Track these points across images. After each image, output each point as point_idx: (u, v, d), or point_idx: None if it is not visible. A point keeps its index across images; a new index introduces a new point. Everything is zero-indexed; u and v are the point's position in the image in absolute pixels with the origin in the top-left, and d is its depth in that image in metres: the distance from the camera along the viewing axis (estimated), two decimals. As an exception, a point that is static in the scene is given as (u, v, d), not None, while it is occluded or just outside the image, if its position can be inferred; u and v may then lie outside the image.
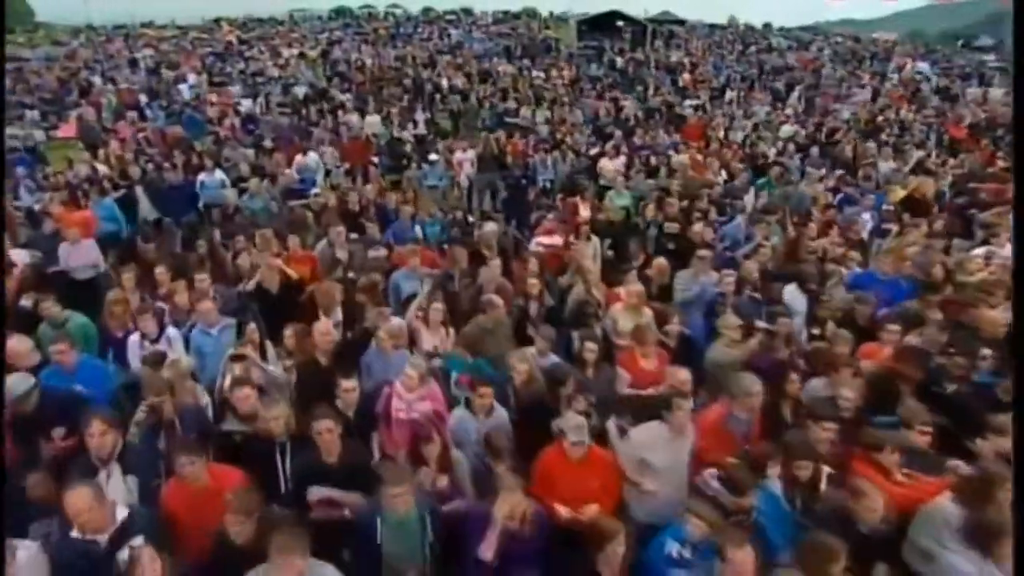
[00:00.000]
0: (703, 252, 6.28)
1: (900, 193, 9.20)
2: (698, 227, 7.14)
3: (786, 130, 14.61)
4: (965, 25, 42.50)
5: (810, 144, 13.37)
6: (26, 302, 5.59)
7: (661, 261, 6.41)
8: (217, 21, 33.88)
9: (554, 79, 20.91)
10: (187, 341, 5.14)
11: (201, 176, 9.62)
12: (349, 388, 4.00)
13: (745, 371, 4.49)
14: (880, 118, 16.67)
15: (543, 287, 5.71)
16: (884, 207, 8.61)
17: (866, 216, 8.41)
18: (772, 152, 12.65)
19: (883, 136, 14.75)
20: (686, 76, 23.05)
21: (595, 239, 7.20)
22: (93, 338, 5.28)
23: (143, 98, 17.48)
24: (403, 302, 5.75)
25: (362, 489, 3.48)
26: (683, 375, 4.46)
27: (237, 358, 4.43)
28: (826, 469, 3.66)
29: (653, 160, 11.30)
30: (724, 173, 10.73)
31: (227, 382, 4.28)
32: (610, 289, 6.12)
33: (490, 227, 6.93)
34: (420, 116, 14.56)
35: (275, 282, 5.73)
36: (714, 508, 3.44)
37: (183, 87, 18.33)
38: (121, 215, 8.68)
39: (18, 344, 4.46)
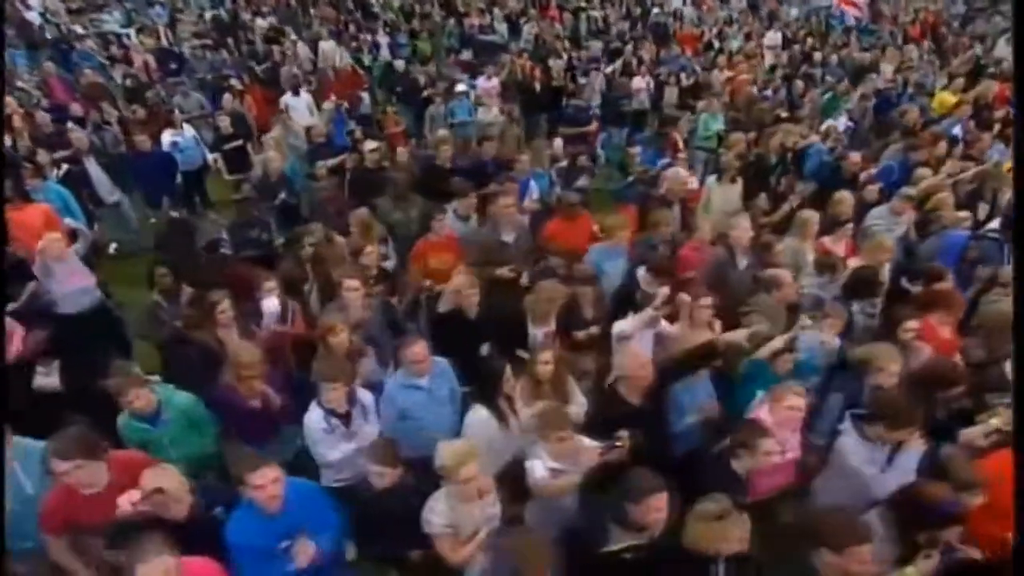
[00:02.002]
0: (905, 189, 5.41)
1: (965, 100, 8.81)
2: (855, 156, 6.20)
3: (772, 37, 13.89)
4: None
5: (804, 53, 12.81)
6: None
7: (846, 195, 5.46)
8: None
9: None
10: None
11: (168, 135, 7.19)
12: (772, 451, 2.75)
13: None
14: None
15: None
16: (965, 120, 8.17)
17: (955, 131, 7.92)
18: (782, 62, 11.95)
19: (852, 38, 14.58)
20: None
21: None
22: (208, 427, 3.47)
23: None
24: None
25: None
26: None
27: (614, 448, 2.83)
28: None
29: (683, 78, 10.17)
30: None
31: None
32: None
33: (676, 170, 5.48)
34: (383, 39, 12.12)
35: (474, 304, 3.87)
36: None
37: (32, 16, 13.97)
38: (74, 201, 6.27)
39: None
